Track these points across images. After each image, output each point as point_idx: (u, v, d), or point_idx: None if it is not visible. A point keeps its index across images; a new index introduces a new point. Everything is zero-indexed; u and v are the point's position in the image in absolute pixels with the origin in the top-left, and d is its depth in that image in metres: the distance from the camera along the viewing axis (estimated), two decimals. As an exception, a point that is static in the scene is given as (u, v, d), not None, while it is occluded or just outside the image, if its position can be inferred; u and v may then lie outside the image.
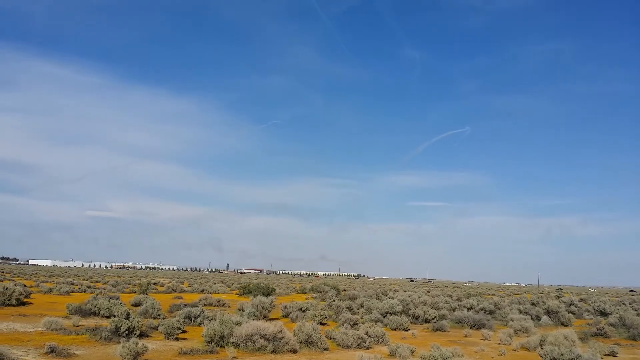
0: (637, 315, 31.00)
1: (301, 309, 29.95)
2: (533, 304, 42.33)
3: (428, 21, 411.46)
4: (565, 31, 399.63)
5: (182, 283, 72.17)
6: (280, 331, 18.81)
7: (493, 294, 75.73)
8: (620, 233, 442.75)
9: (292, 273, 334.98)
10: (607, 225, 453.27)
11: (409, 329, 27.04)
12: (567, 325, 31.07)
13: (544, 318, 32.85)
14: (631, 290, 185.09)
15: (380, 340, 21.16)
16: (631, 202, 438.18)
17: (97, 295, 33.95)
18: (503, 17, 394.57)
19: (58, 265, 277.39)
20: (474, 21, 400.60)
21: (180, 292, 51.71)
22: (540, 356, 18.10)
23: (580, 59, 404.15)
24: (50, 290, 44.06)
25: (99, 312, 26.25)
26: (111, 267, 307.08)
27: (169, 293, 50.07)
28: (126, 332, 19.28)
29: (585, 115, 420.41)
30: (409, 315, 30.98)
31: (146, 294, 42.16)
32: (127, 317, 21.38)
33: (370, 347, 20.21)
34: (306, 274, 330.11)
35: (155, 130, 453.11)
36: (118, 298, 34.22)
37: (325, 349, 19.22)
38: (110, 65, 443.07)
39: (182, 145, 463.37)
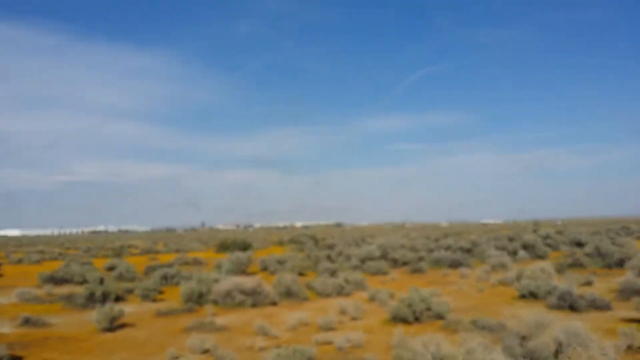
0: (612, 244, 31.55)
1: (279, 261, 29.77)
2: (510, 239, 42.91)
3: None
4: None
5: (157, 244, 71.72)
6: (259, 285, 18.54)
7: (471, 233, 76.87)
8: (600, 162, 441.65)
9: (271, 226, 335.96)
10: (587, 157, 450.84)
11: (388, 273, 27.13)
12: (543, 258, 31.58)
13: (521, 253, 33.27)
14: None
15: (359, 286, 21.11)
16: (611, 132, 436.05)
17: (69, 262, 33.30)
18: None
19: (27, 234, 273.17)
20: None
21: (155, 253, 51.29)
22: (518, 290, 18.24)
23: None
24: (20, 261, 43.13)
25: (72, 279, 25.69)
26: (82, 232, 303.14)
27: (143, 255, 49.49)
28: (101, 297, 18.81)
29: (565, 45, 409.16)
30: (388, 260, 31.08)
31: (120, 257, 41.62)
32: (101, 282, 20.93)
33: (350, 294, 20.13)
34: (284, 226, 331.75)
35: (120, 87, 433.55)
36: (91, 264, 33.61)
37: (305, 299, 19.07)
38: (66, 23, 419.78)
39: (150, 102, 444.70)
